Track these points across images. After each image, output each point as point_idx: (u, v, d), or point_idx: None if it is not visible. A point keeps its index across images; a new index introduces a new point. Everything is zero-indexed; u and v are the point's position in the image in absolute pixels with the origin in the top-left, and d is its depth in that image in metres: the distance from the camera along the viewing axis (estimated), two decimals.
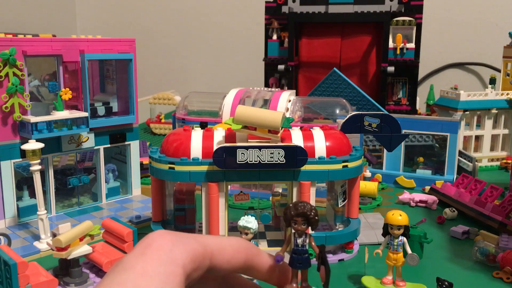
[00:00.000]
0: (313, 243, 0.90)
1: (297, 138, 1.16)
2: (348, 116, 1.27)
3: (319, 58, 2.33)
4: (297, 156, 1.09)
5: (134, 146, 1.59)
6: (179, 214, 1.24)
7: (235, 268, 0.39)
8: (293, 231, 0.92)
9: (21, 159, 1.33)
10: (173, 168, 1.12)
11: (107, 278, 0.32)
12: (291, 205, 0.88)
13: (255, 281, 0.52)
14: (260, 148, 1.08)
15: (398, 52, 2.17)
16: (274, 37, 2.35)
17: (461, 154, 1.84)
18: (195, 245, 0.36)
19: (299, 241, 0.92)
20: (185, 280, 0.34)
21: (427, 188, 1.68)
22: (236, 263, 0.39)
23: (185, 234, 0.37)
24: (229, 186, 1.45)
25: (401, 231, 1.00)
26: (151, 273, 0.32)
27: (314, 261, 0.71)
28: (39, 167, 1.20)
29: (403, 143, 1.74)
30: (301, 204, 0.89)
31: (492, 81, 2.31)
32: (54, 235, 1.04)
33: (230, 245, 0.39)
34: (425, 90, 2.83)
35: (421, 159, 1.86)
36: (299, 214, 0.88)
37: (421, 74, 2.83)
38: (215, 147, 1.10)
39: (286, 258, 0.88)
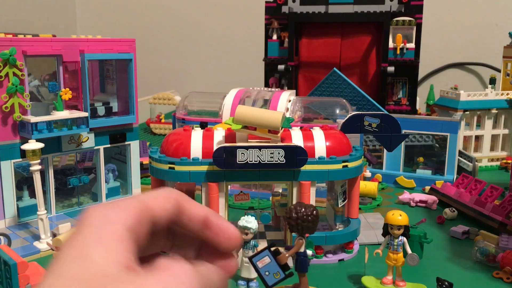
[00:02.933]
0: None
1: (297, 138, 1.16)
2: (348, 116, 1.27)
3: (319, 58, 2.33)
4: (297, 156, 1.09)
5: (134, 146, 1.59)
6: None
7: (170, 213, 0.37)
8: (294, 235, 0.93)
9: (21, 159, 1.33)
10: (173, 168, 1.12)
11: (54, 271, 0.30)
12: (296, 212, 0.91)
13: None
14: (260, 148, 1.08)
15: (398, 52, 2.17)
16: (274, 37, 2.35)
17: (461, 154, 1.84)
18: (127, 200, 0.35)
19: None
20: (130, 236, 0.33)
21: (427, 188, 1.68)
22: (170, 208, 0.37)
23: (115, 200, 0.36)
24: (229, 186, 1.45)
25: (401, 231, 1.00)
26: (88, 246, 0.31)
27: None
28: (39, 167, 1.20)
29: (403, 143, 1.74)
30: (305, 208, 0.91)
31: (492, 81, 2.31)
32: (54, 235, 1.04)
33: (159, 192, 0.37)
34: (425, 90, 2.83)
35: (421, 159, 1.86)
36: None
37: (421, 74, 2.83)
38: (215, 147, 1.10)
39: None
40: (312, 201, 1.13)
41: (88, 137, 1.45)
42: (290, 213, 0.94)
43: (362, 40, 2.28)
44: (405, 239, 1.01)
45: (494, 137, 2.03)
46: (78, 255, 0.30)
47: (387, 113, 1.41)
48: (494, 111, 1.98)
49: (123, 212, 0.33)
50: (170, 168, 1.12)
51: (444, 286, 0.99)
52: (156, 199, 0.36)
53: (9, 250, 1.00)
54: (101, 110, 1.49)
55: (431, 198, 1.57)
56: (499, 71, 2.47)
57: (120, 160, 1.63)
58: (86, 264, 0.30)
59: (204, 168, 1.11)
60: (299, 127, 1.21)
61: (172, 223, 0.38)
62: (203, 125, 1.59)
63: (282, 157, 1.08)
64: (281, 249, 0.90)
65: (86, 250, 0.30)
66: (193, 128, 1.20)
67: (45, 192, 1.38)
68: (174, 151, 1.13)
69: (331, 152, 1.14)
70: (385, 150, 1.78)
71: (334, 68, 1.95)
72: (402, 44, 2.16)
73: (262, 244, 1.21)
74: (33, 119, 1.28)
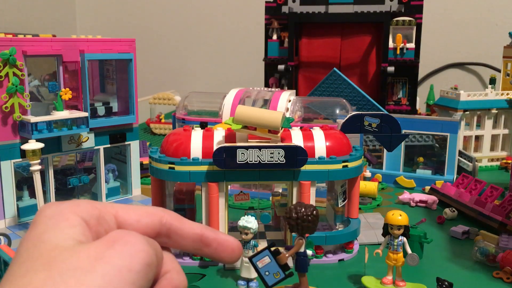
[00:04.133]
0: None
1: (297, 138, 1.16)
2: (348, 116, 1.27)
3: (319, 58, 2.33)
4: (297, 156, 1.09)
5: (134, 146, 1.59)
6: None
7: (148, 228, 0.36)
8: (294, 235, 0.93)
9: (21, 159, 1.33)
10: (173, 168, 1.12)
11: (11, 264, 0.31)
12: (296, 212, 0.91)
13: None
14: (260, 148, 1.08)
15: (398, 52, 2.17)
16: (274, 37, 2.35)
17: (461, 154, 1.84)
18: (86, 200, 0.36)
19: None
20: (84, 225, 0.33)
21: (427, 188, 1.68)
22: (149, 222, 0.36)
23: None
24: (229, 186, 1.45)
25: (401, 231, 1.00)
26: (43, 233, 0.32)
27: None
28: (39, 167, 1.20)
29: (403, 143, 1.74)
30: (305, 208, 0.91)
31: (492, 81, 2.31)
32: None
33: (138, 207, 0.37)
34: (425, 90, 2.83)
35: (421, 159, 1.86)
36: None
37: (421, 74, 2.83)
38: (215, 147, 1.10)
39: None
40: (312, 201, 1.13)
41: (88, 137, 1.45)
42: (290, 213, 0.94)
43: (362, 40, 2.28)
44: (405, 239, 1.01)
45: (494, 137, 2.03)
46: (36, 241, 0.31)
47: (387, 113, 1.41)
48: (494, 111, 1.98)
49: (76, 206, 0.34)
50: (170, 168, 1.12)
51: (444, 286, 0.99)
52: (128, 210, 0.36)
53: (9, 250, 1.00)
54: (101, 110, 1.49)
55: (431, 198, 1.57)
56: (499, 71, 2.47)
57: (120, 160, 1.63)
58: (43, 246, 0.31)
59: (204, 168, 1.11)
60: (299, 127, 1.21)
61: (159, 240, 0.37)
62: (203, 125, 1.59)
63: (282, 157, 1.08)
64: (281, 249, 0.90)
65: (42, 236, 0.32)
66: (193, 128, 1.20)
67: (45, 192, 1.38)
68: (174, 151, 1.13)
69: (331, 152, 1.14)
70: (385, 150, 1.78)
71: (334, 68, 1.95)
72: (402, 44, 2.16)
73: (262, 244, 1.21)
74: (33, 119, 1.28)
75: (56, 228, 0.32)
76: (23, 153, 1.29)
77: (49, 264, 0.29)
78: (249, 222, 1.04)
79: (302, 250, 0.95)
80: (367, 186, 1.60)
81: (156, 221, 0.36)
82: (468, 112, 1.96)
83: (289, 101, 1.59)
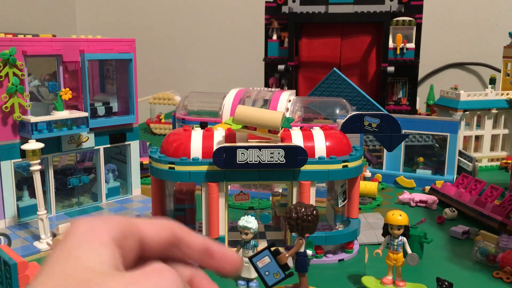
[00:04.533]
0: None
1: (297, 138, 1.16)
2: (348, 116, 1.27)
3: (319, 58, 2.33)
4: (297, 156, 1.09)
5: (134, 146, 1.59)
6: (179, 214, 1.24)
7: (164, 240, 0.39)
8: (294, 235, 0.93)
9: (21, 159, 1.33)
10: (173, 168, 1.12)
11: (40, 274, 0.32)
12: (296, 212, 0.90)
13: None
14: (260, 148, 1.08)
15: (398, 52, 2.17)
16: (274, 37, 2.35)
17: (461, 154, 1.84)
18: (114, 216, 0.38)
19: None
20: (116, 245, 0.35)
21: (427, 188, 1.68)
22: (164, 235, 0.39)
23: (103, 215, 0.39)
24: (229, 186, 1.45)
25: (401, 231, 1.00)
26: (76, 248, 0.33)
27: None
28: (39, 167, 1.20)
29: (403, 143, 1.74)
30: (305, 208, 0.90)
31: (492, 81, 2.31)
32: (54, 235, 1.04)
33: (155, 220, 0.40)
34: (425, 90, 2.83)
35: (421, 159, 1.86)
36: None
37: (421, 74, 2.82)
38: (215, 147, 1.10)
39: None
40: (312, 201, 1.13)
41: (88, 137, 1.45)
42: (290, 213, 0.94)
43: (362, 40, 2.28)
44: (405, 239, 1.01)
45: (494, 137, 2.03)
46: (68, 255, 0.32)
47: (387, 113, 1.41)
48: (494, 111, 1.98)
49: (107, 224, 0.36)
50: (170, 168, 1.12)
51: (444, 286, 0.99)
52: (148, 224, 0.39)
53: (9, 250, 1.00)
54: (101, 110, 1.50)
55: (431, 198, 1.57)
56: (499, 71, 2.47)
57: (120, 160, 1.63)
58: (76, 263, 0.32)
59: (204, 168, 1.11)
60: (299, 127, 1.21)
61: (169, 251, 0.39)
62: (203, 125, 1.59)
63: (282, 157, 1.08)
64: (281, 249, 0.90)
65: (75, 252, 0.33)
66: (193, 128, 1.20)
67: (45, 192, 1.38)
68: (174, 151, 1.13)
69: (331, 152, 1.14)
70: (385, 150, 1.78)
71: (334, 68, 1.95)
72: (402, 44, 2.16)
73: (262, 244, 1.21)
74: (33, 119, 1.28)
75: (90, 246, 0.33)
76: (23, 153, 1.29)
77: (83, 286, 0.30)
78: (249, 222, 1.04)
79: (302, 250, 0.95)
80: (367, 186, 1.60)
81: (170, 232, 0.39)
82: (468, 112, 1.96)
83: (289, 101, 1.59)
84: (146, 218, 0.41)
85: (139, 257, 0.37)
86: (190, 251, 0.40)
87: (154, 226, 0.39)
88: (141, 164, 1.67)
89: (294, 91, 1.74)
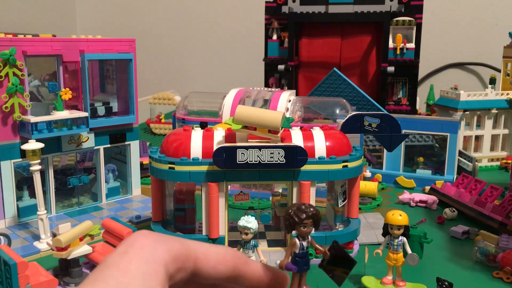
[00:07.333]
0: (316, 244, 0.90)
1: (297, 138, 1.16)
2: (348, 116, 1.27)
3: (319, 58, 2.33)
4: (297, 156, 1.09)
5: (134, 146, 1.59)
6: (179, 214, 1.24)
7: (222, 275, 0.39)
8: (294, 235, 0.92)
9: (21, 159, 1.33)
10: (173, 168, 1.12)
11: (91, 276, 0.33)
12: (293, 210, 0.88)
13: None
14: (260, 148, 1.08)
15: (398, 52, 2.17)
16: (274, 37, 2.35)
17: (461, 154, 1.84)
18: (178, 245, 0.37)
19: (305, 243, 0.92)
20: (167, 280, 0.35)
21: (427, 188, 1.68)
22: (223, 270, 0.38)
23: (169, 236, 0.38)
24: (229, 186, 1.45)
25: (401, 231, 1.00)
26: (133, 271, 0.33)
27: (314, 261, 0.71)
28: (39, 167, 1.20)
29: (403, 143, 1.74)
30: (304, 206, 0.89)
31: (492, 81, 2.31)
32: (54, 235, 1.04)
33: (216, 252, 0.39)
34: (425, 90, 2.83)
35: (421, 159, 1.86)
36: (309, 216, 0.88)
37: (421, 74, 2.82)
38: (215, 147, 1.10)
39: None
40: (312, 201, 1.13)
41: (88, 137, 1.45)
42: (287, 212, 0.93)
43: (362, 40, 2.28)
44: (405, 239, 1.01)
45: (494, 137, 2.03)
46: (124, 263, 0.34)
47: (387, 113, 1.41)
48: (494, 111, 1.98)
49: (168, 253, 0.36)
50: (170, 168, 1.12)
51: (444, 286, 0.99)
52: (209, 256, 0.38)
53: (9, 250, 1.00)
54: (101, 110, 1.49)
55: (431, 198, 1.57)
56: (499, 71, 2.47)
57: (120, 160, 1.63)
58: (130, 275, 0.33)
59: (204, 168, 1.11)
60: (299, 127, 1.21)
61: (223, 282, 0.40)
62: (203, 125, 1.59)
63: (282, 157, 1.08)
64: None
65: (131, 264, 0.34)
66: (193, 128, 1.20)
67: (45, 192, 1.38)
68: (174, 151, 1.13)
69: (331, 152, 1.14)
70: (385, 150, 1.78)
71: (334, 68, 1.95)
72: (402, 44, 2.16)
73: (262, 244, 1.21)
74: (33, 119, 1.28)
75: (145, 262, 0.34)
76: (23, 153, 1.29)
77: None
78: (249, 222, 1.04)
79: (297, 250, 0.94)
80: (367, 186, 1.60)
81: (230, 269, 0.39)
82: (468, 112, 1.96)
83: (289, 101, 1.59)
84: (204, 244, 0.40)
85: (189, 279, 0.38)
86: (247, 283, 0.40)
87: (213, 258, 0.38)
88: (141, 164, 1.67)
89: (294, 91, 1.74)
